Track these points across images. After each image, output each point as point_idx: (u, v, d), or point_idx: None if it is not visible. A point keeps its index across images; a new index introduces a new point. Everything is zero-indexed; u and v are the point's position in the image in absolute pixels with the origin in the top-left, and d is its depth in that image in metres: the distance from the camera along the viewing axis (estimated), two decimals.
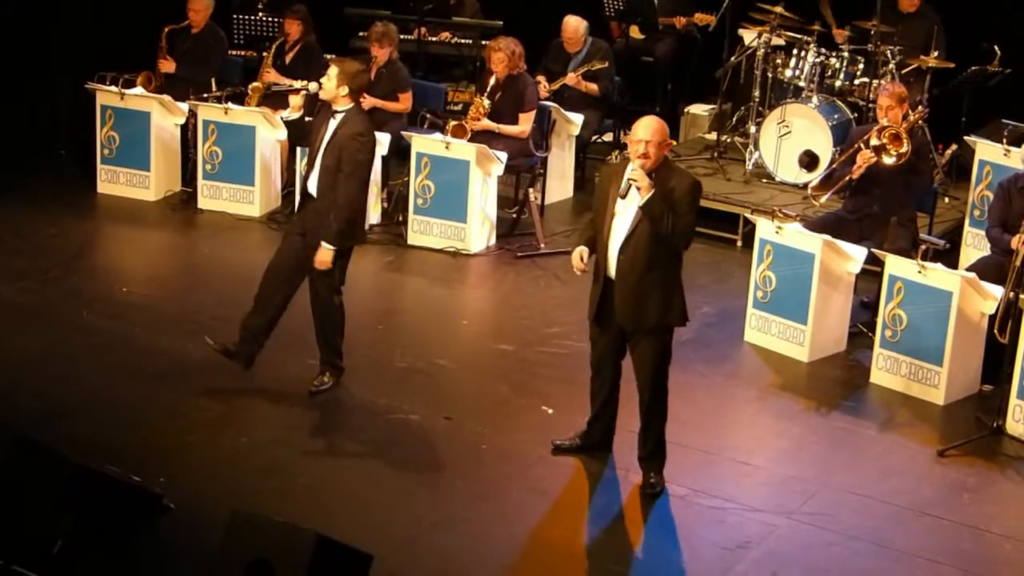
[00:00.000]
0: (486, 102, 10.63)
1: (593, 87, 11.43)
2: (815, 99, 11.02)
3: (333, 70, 7.84)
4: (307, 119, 8.08)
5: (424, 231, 10.47)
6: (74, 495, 6.33)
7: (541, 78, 11.31)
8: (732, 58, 11.91)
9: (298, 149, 10.26)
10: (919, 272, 8.32)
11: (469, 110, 10.78)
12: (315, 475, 7.25)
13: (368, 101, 10.89)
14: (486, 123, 10.64)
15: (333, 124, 7.84)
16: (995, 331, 7.99)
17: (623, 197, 6.88)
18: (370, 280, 9.70)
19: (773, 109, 11.15)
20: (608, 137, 12.21)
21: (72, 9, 12.27)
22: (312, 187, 7.88)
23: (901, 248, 8.72)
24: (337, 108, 7.84)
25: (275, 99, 11.22)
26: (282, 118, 8.09)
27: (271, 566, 5.80)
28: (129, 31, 11.92)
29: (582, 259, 7.12)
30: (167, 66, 11.51)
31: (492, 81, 10.65)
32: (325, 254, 7.79)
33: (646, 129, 6.87)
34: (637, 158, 6.84)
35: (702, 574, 6.61)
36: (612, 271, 6.99)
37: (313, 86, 8.02)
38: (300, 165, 10.16)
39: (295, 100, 8.06)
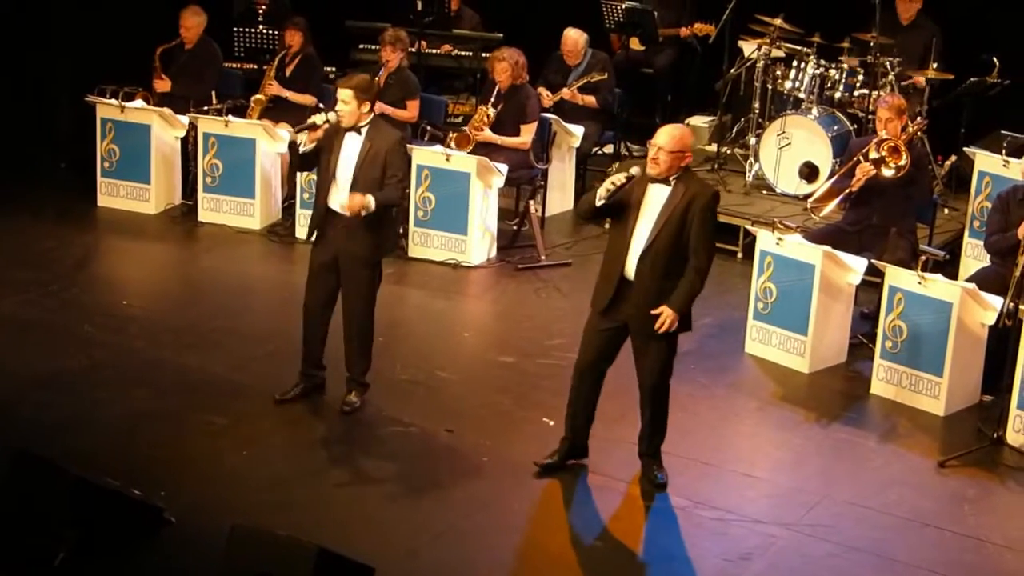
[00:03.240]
0: (491, 111, 10.64)
1: (591, 99, 11.44)
2: (815, 111, 11.03)
3: (347, 93, 7.70)
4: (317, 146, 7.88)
5: (425, 243, 10.47)
6: (75, 509, 6.35)
7: (542, 90, 11.32)
8: (732, 70, 11.92)
9: None
10: (919, 283, 8.32)
11: (473, 118, 10.78)
12: (316, 488, 7.25)
13: (376, 107, 10.90)
14: (488, 134, 10.64)
15: (357, 140, 7.76)
16: (1002, 321, 7.98)
17: (607, 195, 6.98)
18: None
19: (773, 121, 11.17)
20: (609, 149, 12.21)
21: (69, 21, 12.28)
22: (336, 204, 7.79)
23: (901, 259, 8.73)
24: (360, 124, 7.79)
25: (276, 112, 11.25)
26: (300, 151, 7.82)
27: None
28: (128, 44, 11.92)
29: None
30: (163, 86, 11.51)
31: (496, 91, 10.65)
32: (370, 202, 7.63)
33: (662, 135, 7.03)
34: (649, 161, 7.02)
35: None
36: (630, 273, 7.08)
37: (332, 116, 7.74)
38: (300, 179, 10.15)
39: (315, 134, 7.76)
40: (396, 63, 11.02)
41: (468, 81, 12.84)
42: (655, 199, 7.04)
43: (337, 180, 7.79)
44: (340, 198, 7.76)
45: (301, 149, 7.82)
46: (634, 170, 7.04)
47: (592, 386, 7.37)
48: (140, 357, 8.66)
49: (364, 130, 7.78)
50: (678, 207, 6.98)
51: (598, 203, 7.05)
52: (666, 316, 7.02)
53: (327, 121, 7.76)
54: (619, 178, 6.99)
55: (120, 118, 11.17)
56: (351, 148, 7.77)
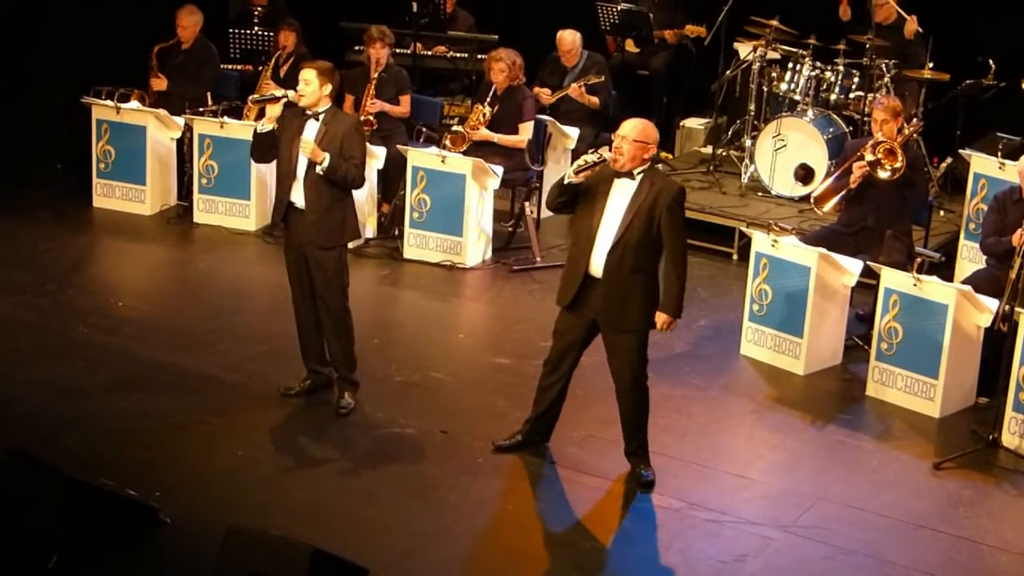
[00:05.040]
0: (487, 110, 10.63)
1: (594, 100, 11.43)
2: (810, 113, 11.04)
3: (310, 73, 7.77)
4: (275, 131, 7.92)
5: (420, 245, 10.47)
6: (70, 509, 6.34)
7: (539, 89, 11.33)
8: (728, 72, 11.92)
9: None
10: (915, 285, 8.33)
11: (470, 117, 10.78)
12: (311, 489, 7.25)
13: (378, 105, 10.92)
14: (485, 133, 10.64)
15: (315, 126, 7.79)
16: (998, 325, 7.99)
17: (576, 174, 7.10)
18: (366, 294, 9.69)
19: (768, 123, 11.17)
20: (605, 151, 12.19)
21: (64, 22, 12.27)
22: (298, 199, 7.84)
23: (897, 261, 8.73)
24: (318, 109, 7.82)
25: None
26: (257, 130, 7.97)
27: None
28: (123, 44, 11.92)
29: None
30: (159, 84, 11.52)
31: (492, 91, 10.65)
32: (325, 157, 7.67)
33: (626, 126, 7.12)
34: (613, 151, 7.10)
35: None
36: (597, 270, 7.15)
37: (292, 94, 7.86)
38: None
39: (273, 110, 7.87)
40: (386, 59, 11.03)
41: (463, 82, 12.83)
42: (620, 194, 7.11)
43: (297, 172, 7.81)
44: (299, 191, 7.82)
45: (259, 128, 7.88)
46: (606, 152, 7.12)
47: (561, 379, 7.48)
48: (135, 358, 8.65)
49: (321, 116, 7.82)
50: (645, 202, 7.04)
51: (566, 181, 7.14)
52: (664, 322, 7.15)
53: (286, 96, 7.85)
54: (590, 157, 7.10)
55: (116, 119, 11.17)
56: (309, 136, 7.80)
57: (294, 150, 7.80)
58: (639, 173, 7.10)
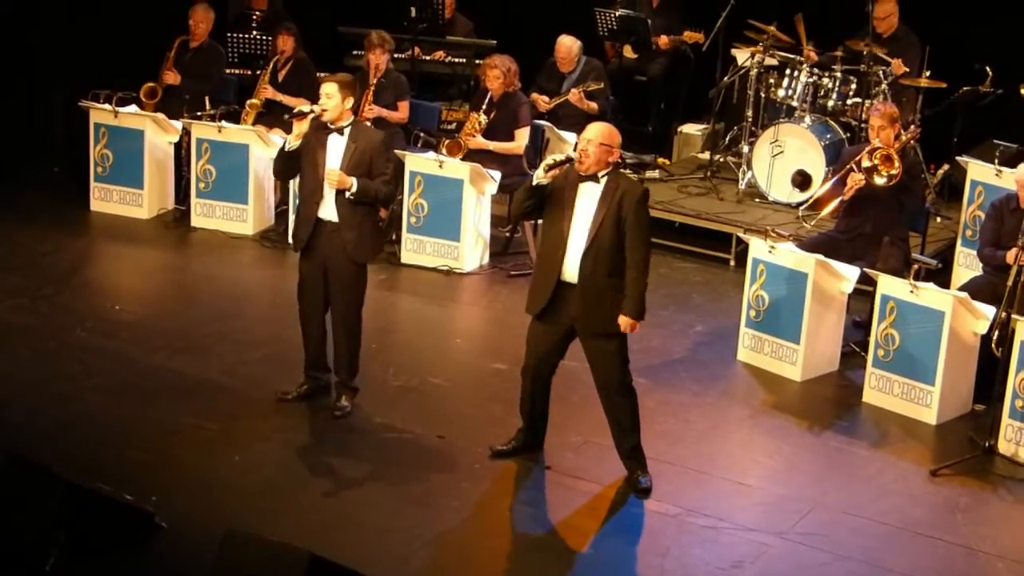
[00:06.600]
0: (483, 118, 10.65)
1: (593, 106, 11.44)
2: (808, 119, 11.04)
3: (331, 87, 7.71)
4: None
5: (417, 250, 10.48)
6: (67, 514, 6.34)
7: (536, 95, 11.33)
8: (725, 78, 11.93)
9: None
10: (911, 292, 8.33)
11: (465, 126, 10.79)
12: (308, 494, 7.24)
13: (376, 110, 10.93)
14: (481, 141, 10.65)
15: (340, 140, 7.76)
16: (992, 345, 8.01)
17: (544, 174, 7.15)
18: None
19: (766, 129, 11.18)
20: None
21: (63, 24, 12.28)
22: (328, 213, 7.80)
23: (893, 268, 8.75)
24: (342, 123, 7.80)
25: (270, 118, 11.24)
26: (285, 149, 7.83)
27: None
28: (122, 47, 11.92)
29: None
30: (172, 78, 11.51)
31: (488, 98, 10.66)
32: (352, 183, 7.67)
33: (591, 129, 7.23)
34: (579, 153, 7.16)
35: None
36: (571, 276, 7.18)
37: (317, 108, 7.77)
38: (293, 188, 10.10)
39: (301, 127, 7.75)
40: (385, 65, 11.04)
41: (462, 88, 12.85)
42: (587, 197, 7.16)
43: (325, 191, 7.76)
44: (330, 206, 7.78)
45: (287, 147, 7.80)
46: (572, 152, 7.19)
47: (542, 388, 7.51)
48: (132, 362, 8.65)
49: (347, 131, 7.79)
50: (612, 204, 7.08)
51: (535, 182, 7.19)
52: (627, 325, 7.14)
53: (312, 111, 7.78)
54: (558, 157, 7.17)
55: (113, 123, 11.17)
56: (335, 151, 7.78)
57: (320, 167, 7.76)
58: (603, 176, 7.15)
